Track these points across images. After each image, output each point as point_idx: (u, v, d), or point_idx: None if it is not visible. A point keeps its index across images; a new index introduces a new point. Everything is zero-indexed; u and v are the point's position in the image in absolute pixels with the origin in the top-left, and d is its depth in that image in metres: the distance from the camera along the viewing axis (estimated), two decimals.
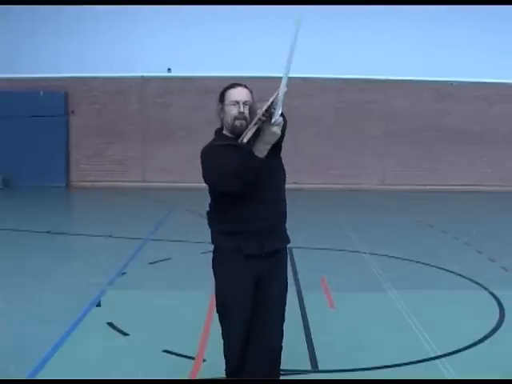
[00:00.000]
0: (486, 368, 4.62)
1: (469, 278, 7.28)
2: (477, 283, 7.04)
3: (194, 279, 6.96)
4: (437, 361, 4.74)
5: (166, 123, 16.66)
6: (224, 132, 3.54)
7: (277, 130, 3.17)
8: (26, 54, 16.17)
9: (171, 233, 10.05)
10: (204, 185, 3.50)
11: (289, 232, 3.66)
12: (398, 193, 15.89)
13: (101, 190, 15.82)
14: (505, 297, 6.41)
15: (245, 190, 3.32)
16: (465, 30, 16.12)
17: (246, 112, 3.40)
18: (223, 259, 3.54)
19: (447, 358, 4.80)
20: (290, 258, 7.83)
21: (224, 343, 3.62)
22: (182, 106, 16.60)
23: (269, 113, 3.11)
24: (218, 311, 3.62)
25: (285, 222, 3.62)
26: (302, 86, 16.08)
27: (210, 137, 3.63)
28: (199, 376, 4.43)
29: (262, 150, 3.24)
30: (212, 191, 3.52)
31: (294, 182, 14.75)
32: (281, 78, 3.11)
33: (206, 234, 3.64)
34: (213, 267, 3.62)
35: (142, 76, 16.50)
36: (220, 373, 3.78)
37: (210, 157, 3.45)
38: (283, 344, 3.67)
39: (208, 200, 3.60)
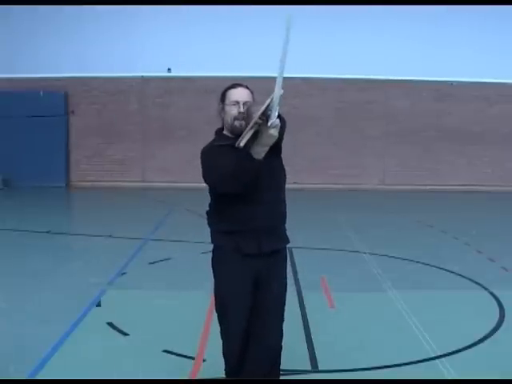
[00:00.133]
0: (486, 368, 4.62)
1: (469, 278, 7.28)
2: (477, 283, 7.04)
3: (193, 279, 6.96)
4: (437, 361, 4.74)
5: (166, 123, 16.66)
6: (224, 132, 3.54)
7: (274, 132, 3.17)
8: (26, 54, 16.18)
9: (171, 233, 10.05)
10: (204, 185, 3.51)
11: (289, 232, 3.66)
12: (397, 193, 15.89)
13: (101, 190, 15.82)
14: (505, 297, 6.40)
15: (244, 190, 3.32)
16: (465, 30, 16.12)
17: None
18: (222, 258, 3.55)
19: (447, 357, 4.80)
20: (290, 258, 7.83)
21: (223, 343, 3.63)
22: (181, 106, 16.60)
23: (265, 115, 3.11)
24: (216, 310, 3.63)
25: (284, 222, 3.63)
26: (301, 86, 16.09)
27: (210, 137, 3.63)
28: (199, 376, 4.43)
29: (259, 152, 3.24)
30: (212, 191, 3.52)
31: (294, 182, 14.76)
32: (282, 79, 3.11)
33: (206, 233, 3.65)
34: (212, 266, 3.63)
35: (142, 76, 16.50)
36: (220, 373, 3.78)
37: (210, 157, 3.46)
38: (283, 344, 3.67)
39: (208, 200, 3.60)
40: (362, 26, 15.93)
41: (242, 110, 3.39)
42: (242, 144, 3.13)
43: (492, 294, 6.58)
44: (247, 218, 3.43)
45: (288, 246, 3.67)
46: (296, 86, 15.78)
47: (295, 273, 7.28)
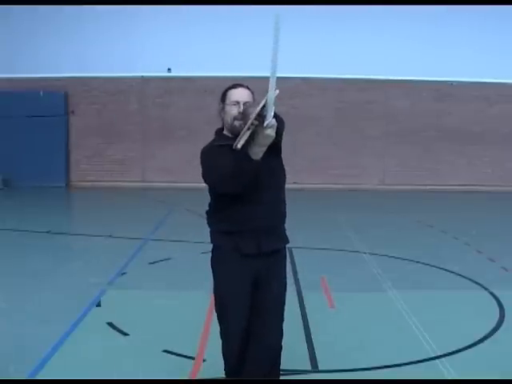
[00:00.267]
0: (486, 368, 4.62)
1: (469, 278, 7.28)
2: (477, 283, 7.04)
3: (194, 279, 6.96)
4: (437, 361, 4.74)
5: (166, 123, 16.66)
6: (224, 132, 3.55)
7: (270, 132, 3.16)
8: (26, 53, 16.17)
9: (171, 233, 10.05)
10: (204, 185, 3.51)
11: (289, 232, 3.66)
12: (397, 193, 15.89)
13: (101, 190, 15.82)
14: (505, 297, 6.40)
15: (243, 190, 3.33)
16: (465, 30, 16.12)
17: None
18: (221, 258, 3.55)
19: (447, 357, 4.80)
20: (290, 258, 7.84)
21: (223, 343, 3.63)
22: (181, 106, 16.60)
23: (261, 116, 3.11)
24: (216, 310, 3.63)
25: (284, 222, 3.63)
26: (301, 86, 16.10)
27: (209, 137, 3.64)
28: (199, 376, 4.43)
29: (257, 153, 3.24)
30: (212, 191, 3.53)
31: (294, 182, 14.76)
32: (276, 79, 3.11)
33: (206, 233, 3.65)
34: (211, 266, 3.63)
35: (142, 76, 16.50)
36: (220, 373, 3.78)
37: (210, 157, 3.46)
38: (283, 344, 3.67)
39: (208, 200, 3.60)
40: (362, 26, 15.93)
41: (242, 110, 3.40)
42: (239, 146, 3.13)
43: (492, 294, 6.58)
44: (247, 217, 3.43)
45: (288, 245, 3.68)
46: (296, 86, 15.79)
47: (295, 273, 7.28)
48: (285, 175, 3.61)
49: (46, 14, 16.02)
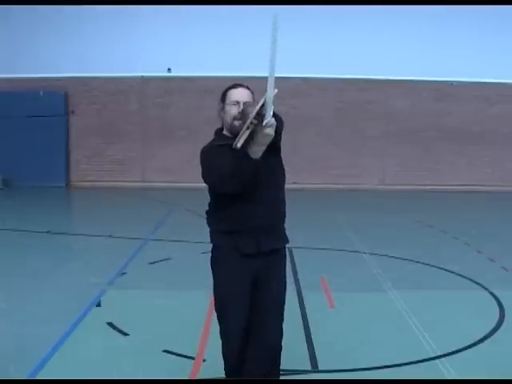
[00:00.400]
0: (486, 368, 4.62)
1: (469, 278, 7.28)
2: (477, 283, 7.04)
3: (194, 279, 6.95)
4: (437, 361, 4.74)
5: (166, 123, 16.66)
6: (224, 132, 3.55)
7: (270, 131, 3.17)
8: (26, 54, 16.17)
9: (171, 233, 10.05)
10: (204, 185, 3.51)
11: (289, 232, 3.66)
12: (397, 193, 15.89)
13: (101, 190, 15.82)
14: (505, 297, 6.40)
15: (243, 190, 3.33)
16: (465, 30, 16.12)
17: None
18: (221, 258, 3.56)
19: (447, 357, 4.80)
20: (290, 258, 7.84)
21: (222, 343, 3.63)
22: (181, 106, 16.60)
23: (260, 115, 3.12)
24: (216, 310, 3.63)
25: (283, 222, 3.63)
26: (301, 86, 16.10)
27: (209, 137, 3.64)
28: (199, 376, 4.43)
29: (256, 152, 3.24)
30: (211, 190, 3.53)
31: (294, 182, 14.75)
32: (274, 78, 3.12)
33: (206, 233, 3.65)
34: (211, 266, 3.63)
35: (142, 76, 16.50)
36: (220, 373, 3.78)
37: (209, 157, 3.46)
38: (283, 344, 3.67)
39: (208, 199, 3.60)
40: (362, 26, 15.93)
41: (241, 109, 3.40)
42: (239, 145, 3.14)
43: (492, 294, 6.58)
44: (246, 217, 3.43)
45: (288, 245, 3.68)
46: (296, 86, 15.79)
47: (295, 273, 7.28)
48: (284, 175, 3.61)
49: (46, 14, 16.02)
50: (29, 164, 16.04)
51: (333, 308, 6.14)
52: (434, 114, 16.56)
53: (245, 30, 15.74)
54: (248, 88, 3.53)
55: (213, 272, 3.62)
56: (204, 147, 3.55)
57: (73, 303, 6.10)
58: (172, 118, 16.64)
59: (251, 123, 3.12)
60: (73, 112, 16.67)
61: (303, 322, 5.62)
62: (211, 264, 3.63)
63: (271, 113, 3.13)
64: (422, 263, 8.00)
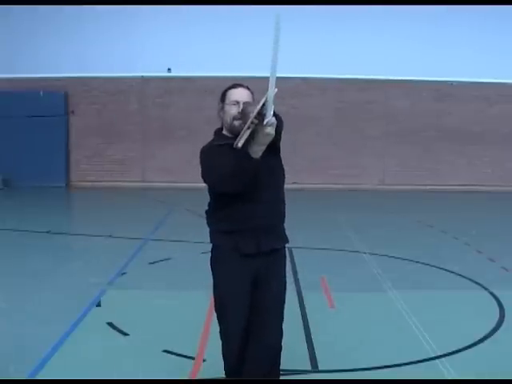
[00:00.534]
0: (486, 368, 4.62)
1: (469, 278, 7.28)
2: (477, 283, 7.04)
3: (193, 279, 6.95)
4: (437, 361, 4.74)
5: (166, 123, 16.66)
6: (223, 132, 3.55)
7: (270, 130, 3.18)
8: (26, 53, 16.17)
9: (171, 233, 10.05)
10: (204, 185, 3.51)
11: (289, 232, 3.66)
12: (397, 193, 15.89)
13: (101, 190, 15.82)
14: (505, 297, 6.40)
15: (243, 189, 3.33)
16: (465, 30, 16.13)
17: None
18: (221, 258, 3.56)
19: (447, 357, 4.79)
20: (290, 258, 7.83)
21: (222, 343, 3.63)
22: (181, 106, 16.60)
23: (261, 115, 3.12)
24: (216, 310, 3.63)
25: (283, 222, 3.63)
26: (301, 86, 16.10)
27: (209, 137, 3.64)
28: (199, 376, 4.43)
29: (257, 151, 3.25)
30: (211, 190, 3.53)
31: (294, 182, 14.76)
32: (275, 78, 3.12)
33: (206, 233, 3.65)
34: (211, 266, 3.63)
35: (142, 76, 16.50)
36: (220, 373, 3.78)
37: (209, 157, 3.46)
38: (283, 344, 3.67)
39: (207, 199, 3.60)
40: (362, 25, 15.93)
41: (241, 109, 3.40)
42: (239, 145, 3.14)
43: (492, 294, 6.58)
44: (247, 216, 3.43)
45: (288, 245, 3.68)
46: (296, 86, 15.79)
47: (295, 273, 7.28)
48: (284, 175, 3.61)
49: (46, 14, 16.02)
50: (29, 164, 16.04)
51: (333, 308, 6.14)
52: (434, 114, 16.56)
53: (245, 29, 15.75)
54: (248, 88, 3.53)
55: (212, 272, 3.61)
56: (204, 147, 3.55)
57: (73, 303, 6.10)
58: (172, 118, 16.64)
59: (252, 123, 3.12)
60: (73, 112, 16.67)
61: (303, 322, 5.62)
62: (211, 264, 3.63)
63: (272, 112, 3.14)
64: (422, 263, 8.00)
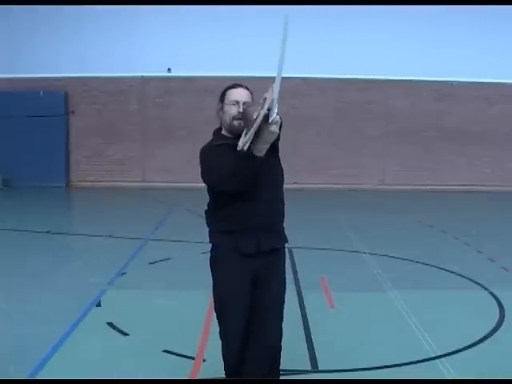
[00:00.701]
0: (486, 368, 4.62)
1: (469, 278, 7.28)
2: (477, 283, 7.04)
3: (193, 279, 6.94)
4: (437, 361, 4.74)
5: (166, 123, 16.66)
6: (222, 132, 3.55)
7: (275, 128, 3.18)
8: (26, 53, 16.18)
9: (171, 233, 10.05)
10: (204, 185, 3.51)
11: (289, 232, 3.66)
12: (397, 193, 15.89)
13: (101, 190, 15.82)
14: (505, 297, 6.40)
15: (244, 188, 3.33)
16: (465, 30, 16.13)
17: None
18: (220, 258, 3.55)
19: (447, 357, 4.79)
20: (290, 258, 7.83)
21: (222, 344, 3.63)
22: (181, 106, 16.60)
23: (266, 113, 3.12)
24: (215, 311, 3.63)
25: (282, 221, 3.63)
26: (301, 86, 16.10)
27: (209, 137, 3.64)
28: (199, 376, 4.43)
29: (261, 150, 3.25)
30: (210, 190, 3.53)
31: (294, 182, 14.76)
32: (281, 77, 3.13)
33: (206, 233, 3.64)
34: (210, 266, 3.63)
35: (142, 76, 16.50)
36: (220, 373, 3.78)
37: (209, 156, 3.46)
38: (283, 344, 3.67)
39: (207, 199, 3.60)
40: (362, 25, 15.93)
41: (241, 109, 3.41)
42: (245, 148, 3.15)
43: (492, 294, 6.58)
44: (247, 215, 3.43)
45: (288, 245, 3.68)
46: (296, 86, 15.78)
47: (295, 273, 7.28)
48: (282, 174, 3.62)
49: (46, 14, 16.02)
50: (29, 164, 16.04)
51: (333, 308, 6.14)
52: (434, 114, 16.56)
53: (245, 29, 15.76)
54: (247, 88, 3.53)
55: (212, 272, 3.61)
56: (203, 147, 3.56)
57: (73, 303, 6.10)
58: (172, 118, 16.65)
59: (258, 123, 3.13)
60: (73, 112, 16.67)
61: (303, 321, 5.62)
62: (210, 264, 3.62)
63: (276, 110, 3.14)
64: (422, 263, 8.00)
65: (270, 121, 3.13)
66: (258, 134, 3.18)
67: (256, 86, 3.93)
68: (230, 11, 15.49)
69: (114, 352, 4.90)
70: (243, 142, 3.17)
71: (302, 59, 14.99)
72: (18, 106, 15.99)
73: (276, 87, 3.10)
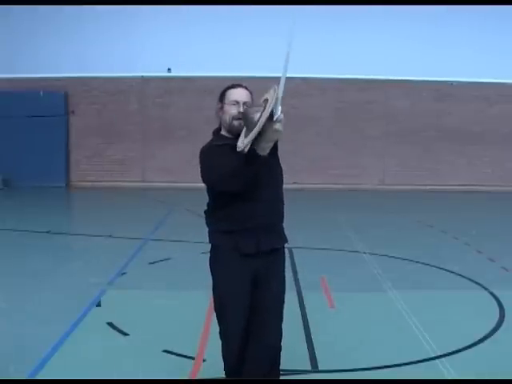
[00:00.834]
0: (486, 368, 4.62)
1: (469, 278, 7.28)
2: (477, 283, 7.04)
3: (194, 279, 6.94)
4: (437, 361, 4.74)
5: (166, 123, 16.67)
6: (222, 132, 3.55)
7: (279, 127, 3.19)
8: (26, 54, 16.18)
9: (171, 233, 10.05)
10: (204, 185, 3.51)
11: (289, 232, 3.66)
12: (397, 193, 15.89)
13: (101, 190, 15.83)
14: (505, 297, 6.40)
15: (244, 188, 3.33)
16: (465, 30, 16.13)
17: None
18: (220, 258, 3.55)
19: (447, 357, 4.79)
20: (290, 258, 7.84)
21: (222, 344, 3.63)
22: (181, 106, 16.60)
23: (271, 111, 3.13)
24: (215, 311, 3.63)
25: (282, 221, 3.63)
26: (301, 86, 16.09)
27: (209, 137, 3.64)
28: (199, 376, 4.43)
29: (264, 148, 3.25)
30: (210, 190, 3.53)
31: (294, 182, 14.76)
32: (285, 76, 3.14)
33: (206, 233, 3.64)
34: (210, 266, 3.63)
35: (142, 76, 16.50)
36: (220, 373, 3.78)
37: (209, 157, 3.46)
38: (283, 344, 3.67)
39: (207, 199, 3.60)
40: (362, 25, 15.93)
41: (241, 109, 3.41)
42: (246, 150, 3.16)
43: (492, 294, 6.58)
44: (247, 215, 3.43)
45: (288, 245, 3.68)
46: (296, 86, 15.76)
47: (295, 273, 7.28)
48: (282, 174, 3.61)
49: (46, 14, 16.02)
50: (29, 164, 16.04)
51: (333, 308, 6.14)
52: (434, 114, 16.56)
53: (245, 30, 15.76)
54: (247, 88, 3.53)
55: (212, 272, 3.61)
56: (203, 147, 3.56)
57: (73, 303, 6.10)
58: (172, 118, 16.65)
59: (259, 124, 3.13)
60: (73, 112, 16.67)
61: (303, 321, 5.61)
62: (210, 264, 3.62)
63: (280, 108, 3.15)
64: (422, 263, 8.00)
65: (274, 119, 3.14)
66: (261, 132, 3.19)
67: (256, 86, 3.93)
68: (230, 11, 15.49)
69: (114, 352, 4.89)
70: (243, 144, 3.17)
71: (302, 59, 14.97)
72: (18, 106, 15.99)
73: (281, 85, 3.11)
